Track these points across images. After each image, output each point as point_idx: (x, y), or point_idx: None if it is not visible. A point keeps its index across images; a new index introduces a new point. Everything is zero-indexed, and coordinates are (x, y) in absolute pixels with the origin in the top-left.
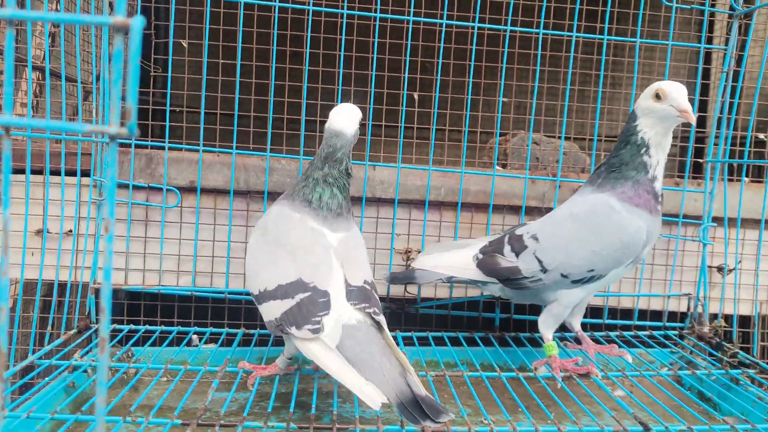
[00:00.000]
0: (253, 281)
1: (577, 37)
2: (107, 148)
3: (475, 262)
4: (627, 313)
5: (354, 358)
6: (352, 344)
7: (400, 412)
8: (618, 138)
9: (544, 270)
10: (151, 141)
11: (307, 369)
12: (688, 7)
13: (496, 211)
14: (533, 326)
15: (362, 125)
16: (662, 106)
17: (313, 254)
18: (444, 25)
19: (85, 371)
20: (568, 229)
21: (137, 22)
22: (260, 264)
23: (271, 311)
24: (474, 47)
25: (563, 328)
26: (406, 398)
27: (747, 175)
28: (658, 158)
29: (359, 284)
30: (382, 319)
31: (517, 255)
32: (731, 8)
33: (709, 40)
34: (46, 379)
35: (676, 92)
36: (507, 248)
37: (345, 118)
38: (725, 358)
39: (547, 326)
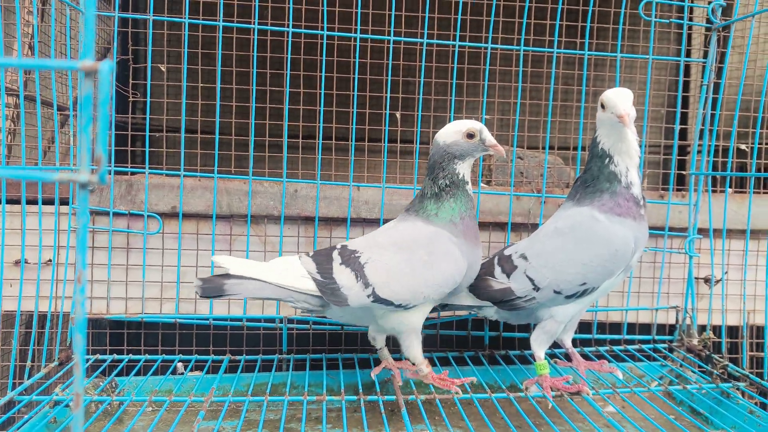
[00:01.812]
0: None
1: (557, 53)
2: (79, 194)
3: (468, 287)
4: (616, 327)
5: None
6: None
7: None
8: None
9: (536, 288)
10: (131, 167)
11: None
12: (667, 21)
13: (482, 228)
14: (523, 343)
15: (344, 145)
16: (606, 115)
17: None
18: (425, 44)
19: (67, 405)
20: (555, 245)
21: (105, 67)
22: None
23: None
24: (455, 65)
25: (554, 344)
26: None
27: (730, 186)
28: (625, 165)
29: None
30: (291, 258)
31: (508, 276)
32: (709, 21)
33: (688, 53)
34: (28, 415)
35: (615, 99)
36: (497, 270)
37: (444, 129)
38: (715, 372)
39: (539, 344)
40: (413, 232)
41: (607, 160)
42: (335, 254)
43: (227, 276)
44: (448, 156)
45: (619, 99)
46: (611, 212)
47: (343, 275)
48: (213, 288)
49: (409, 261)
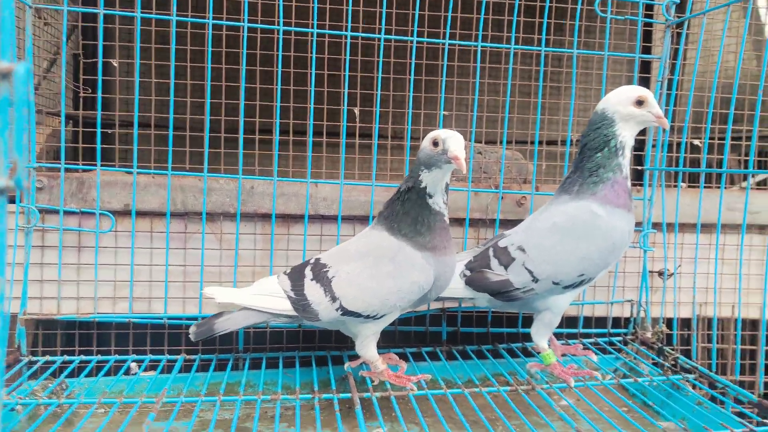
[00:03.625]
0: None
1: (515, 49)
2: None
3: (464, 280)
4: (572, 321)
5: None
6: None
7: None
8: (585, 145)
9: (535, 280)
10: (83, 164)
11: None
12: (622, 18)
13: None
14: (480, 338)
15: (302, 140)
16: (642, 112)
17: None
18: (383, 39)
19: (13, 409)
20: (555, 240)
21: (21, 69)
22: None
23: None
24: (413, 61)
25: (523, 336)
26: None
27: (683, 181)
28: (628, 158)
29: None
30: (271, 278)
31: (505, 268)
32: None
33: (649, 50)
34: None
35: (653, 100)
36: (494, 262)
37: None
38: (666, 364)
39: (541, 336)
40: (379, 244)
41: (620, 152)
42: (307, 270)
43: (217, 315)
44: (417, 160)
45: (655, 101)
46: (611, 204)
47: (312, 291)
48: (205, 330)
49: (374, 272)
